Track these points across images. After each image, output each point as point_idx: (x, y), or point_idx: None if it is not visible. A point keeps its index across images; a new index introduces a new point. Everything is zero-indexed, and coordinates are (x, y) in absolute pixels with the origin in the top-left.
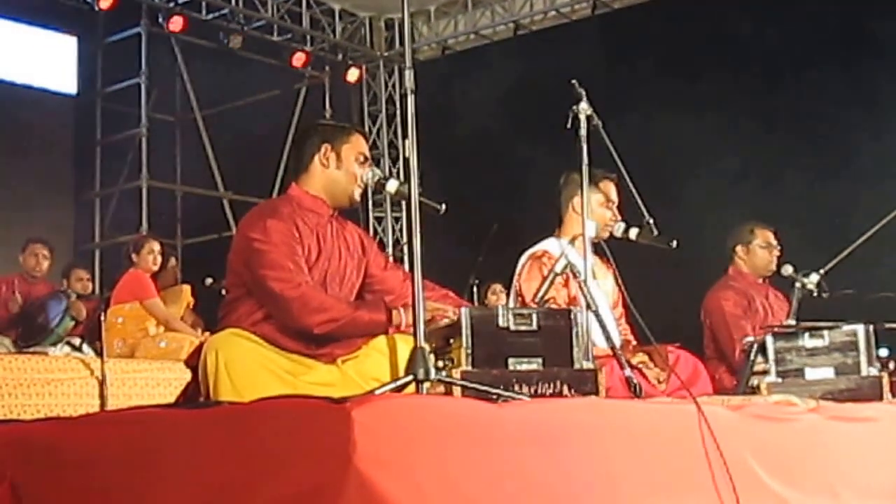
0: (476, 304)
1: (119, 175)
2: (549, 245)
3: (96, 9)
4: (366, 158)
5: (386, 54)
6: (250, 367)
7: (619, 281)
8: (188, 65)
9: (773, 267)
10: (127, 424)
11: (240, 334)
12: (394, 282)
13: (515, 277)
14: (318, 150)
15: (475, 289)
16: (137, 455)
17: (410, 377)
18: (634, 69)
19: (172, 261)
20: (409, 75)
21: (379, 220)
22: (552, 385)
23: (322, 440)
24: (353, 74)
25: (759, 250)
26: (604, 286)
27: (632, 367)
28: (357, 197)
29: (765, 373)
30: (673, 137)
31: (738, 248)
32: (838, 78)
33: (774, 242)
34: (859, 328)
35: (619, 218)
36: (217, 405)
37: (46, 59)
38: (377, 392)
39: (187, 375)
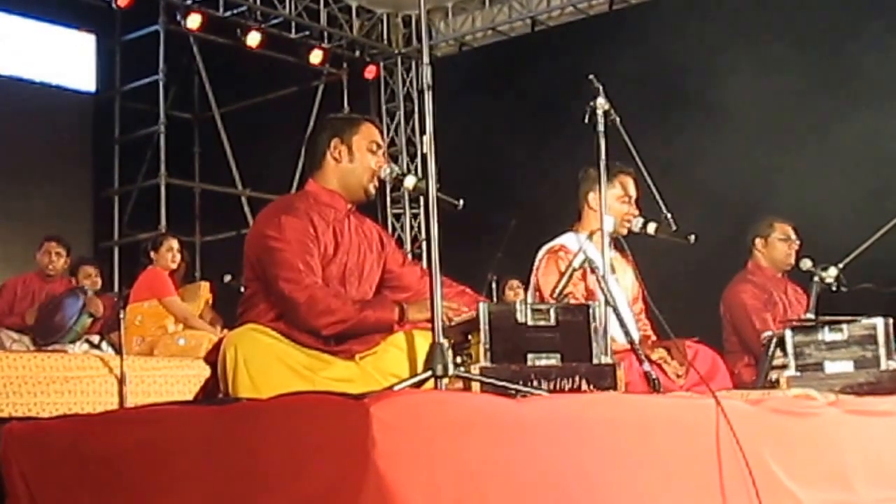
0: (494, 300)
1: (137, 173)
2: (567, 240)
3: (114, 7)
4: (378, 146)
5: (403, 51)
6: (269, 363)
7: (639, 276)
8: (206, 62)
9: (792, 261)
10: (146, 421)
11: (258, 330)
12: (411, 278)
13: (533, 272)
14: (329, 145)
15: (493, 285)
16: (156, 452)
17: (429, 373)
18: (651, 64)
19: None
20: (426, 71)
21: (397, 216)
22: (571, 380)
23: (341, 437)
24: (370, 71)
25: (778, 243)
26: (623, 281)
27: (651, 361)
28: (372, 190)
29: (784, 367)
30: (690, 132)
31: (758, 242)
32: (865, 67)
33: (794, 236)
34: (878, 322)
35: (637, 213)
36: (236, 402)
37: (65, 57)
38: (396, 388)
39: (206, 372)
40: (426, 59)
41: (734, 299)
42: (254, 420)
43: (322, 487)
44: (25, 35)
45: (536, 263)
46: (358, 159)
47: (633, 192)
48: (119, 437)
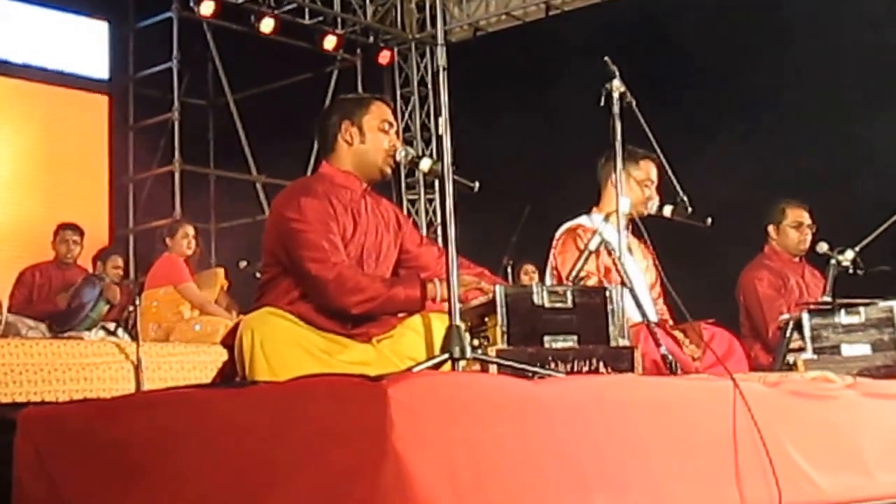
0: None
1: (152, 160)
2: (585, 220)
3: None
4: (390, 125)
5: (417, 36)
6: (286, 346)
7: (657, 262)
8: (220, 49)
9: (805, 247)
10: (163, 405)
11: (275, 313)
12: (428, 258)
13: (552, 251)
14: (339, 128)
15: (508, 269)
16: (173, 435)
17: (446, 355)
18: (666, 47)
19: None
20: (441, 52)
21: (412, 202)
22: (588, 363)
23: (358, 419)
24: (384, 57)
25: (790, 230)
26: (641, 264)
27: (672, 337)
28: (388, 168)
29: (801, 350)
30: (707, 114)
31: (770, 228)
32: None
33: (807, 222)
34: (895, 304)
35: (657, 198)
36: (253, 385)
37: (78, 45)
38: (413, 370)
39: (222, 358)
40: (441, 39)
41: (748, 285)
42: (271, 403)
43: (340, 470)
44: (38, 22)
45: (554, 243)
46: (370, 140)
47: (654, 177)
48: (136, 421)
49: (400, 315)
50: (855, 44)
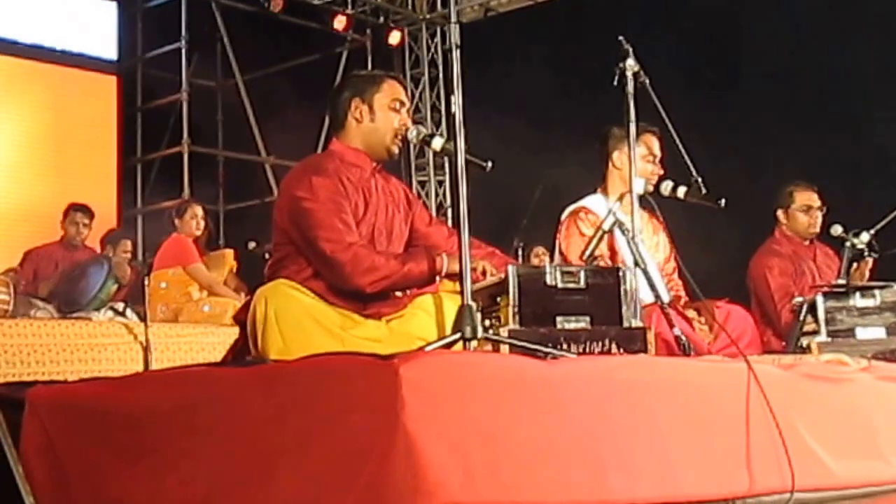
0: None
1: (160, 141)
2: (589, 201)
3: None
4: (401, 104)
5: (428, 16)
6: (299, 318)
7: (670, 236)
8: (229, 29)
9: (816, 230)
10: (172, 383)
11: (289, 285)
12: (438, 237)
13: (557, 235)
14: (349, 106)
15: (520, 252)
16: (183, 414)
17: (458, 335)
18: (679, 27)
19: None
20: (454, 30)
21: (422, 183)
22: (600, 344)
23: (370, 397)
24: (394, 37)
25: (799, 215)
26: (650, 242)
27: (685, 318)
28: (396, 149)
29: (815, 333)
30: (719, 93)
31: (779, 212)
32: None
33: (816, 204)
34: None
35: (661, 172)
36: (264, 363)
37: (86, 25)
38: (425, 349)
39: (231, 339)
40: (453, 17)
41: (759, 274)
42: (282, 381)
43: (351, 448)
44: (47, 3)
45: (559, 226)
46: (380, 118)
47: (657, 151)
48: (145, 399)
49: (410, 294)
50: (873, 32)
